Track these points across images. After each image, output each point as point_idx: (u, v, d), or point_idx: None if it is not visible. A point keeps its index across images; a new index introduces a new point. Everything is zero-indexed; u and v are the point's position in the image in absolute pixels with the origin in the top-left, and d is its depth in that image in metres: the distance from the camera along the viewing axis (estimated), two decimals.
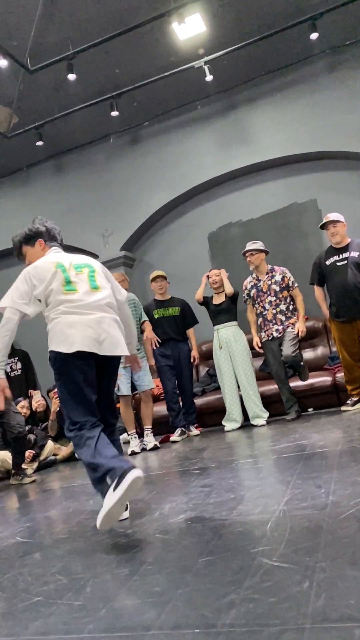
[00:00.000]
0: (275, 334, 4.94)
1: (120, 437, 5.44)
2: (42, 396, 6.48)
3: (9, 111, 6.12)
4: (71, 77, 5.41)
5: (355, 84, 6.09)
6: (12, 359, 7.15)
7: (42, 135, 6.53)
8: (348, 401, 4.60)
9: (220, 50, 5.70)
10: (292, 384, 5.19)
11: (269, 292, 4.99)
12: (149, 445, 4.79)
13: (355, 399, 4.55)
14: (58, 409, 5.50)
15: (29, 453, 5.11)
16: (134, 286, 7.32)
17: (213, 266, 6.41)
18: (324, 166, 6.49)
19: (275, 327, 4.94)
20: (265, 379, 5.43)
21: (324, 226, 4.62)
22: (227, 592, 1.43)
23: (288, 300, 5.00)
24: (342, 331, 4.55)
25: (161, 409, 5.49)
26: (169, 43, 5.56)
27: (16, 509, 3.48)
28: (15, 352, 7.18)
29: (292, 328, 4.92)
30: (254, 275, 5.13)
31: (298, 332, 4.93)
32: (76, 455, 2.55)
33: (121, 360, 2.73)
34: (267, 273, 5.04)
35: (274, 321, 4.96)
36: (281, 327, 4.92)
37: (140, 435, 5.03)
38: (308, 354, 5.75)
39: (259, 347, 5.07)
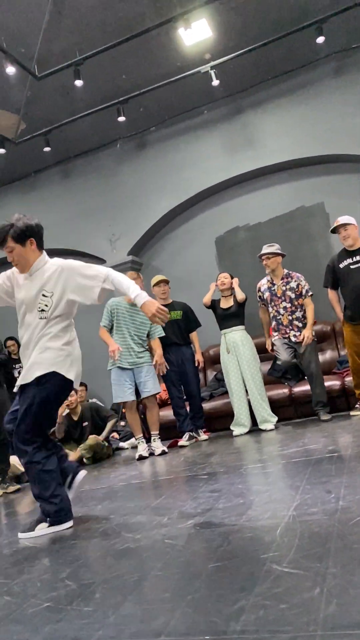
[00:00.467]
0: (293, 339, 4.90)
1: (128, 442, 5.43)
2: None
3: (17, 117, 6.17)
4: (78, 83, 5.44)
5: None
6: (20, 364, 7.16)
7: (50, 141, 6.57)
8: (357, 405, 4.56)
9: (226, 55, 5.71)
10: (300, 388, 5.17)
11: (283, 298, 4.96)
12: (157, 451, 4.78)
13: None
14: (66, 412, 5.51)
15: None
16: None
17: (220, 270, 6.41)
18: (331, 169, 6.48)
19: (293, 332, 4.90)
20: (273, 383, 5.41)
21: (335, 230, 4.58)
22: (237, 599, 1.42)
23: (304, 308, 4.98)
24: (355, 334, 4.50)
25: (168, 413, 5.48)
26: (175, 48, 5.58)
27: (25, 514, 3.48)
28: None
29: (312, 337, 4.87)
30: (268, 278, 5.10)
31: (304, 339, 4.90)
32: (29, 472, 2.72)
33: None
34: (282, 278, 5.01)
35: (290, 327, 4.92)
36: (298, 332, 4.88)
37: (148, 440, 5.02)
38: None
39: (271, 350, 5.05)
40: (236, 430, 5.05)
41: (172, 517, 2.43)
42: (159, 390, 5.04)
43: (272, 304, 5.02)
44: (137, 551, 2.05)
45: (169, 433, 5.41)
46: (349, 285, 4.47)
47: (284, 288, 4.97)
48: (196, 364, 5.33)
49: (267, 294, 5.06)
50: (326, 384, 4.98)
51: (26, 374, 2.69)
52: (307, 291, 4.95)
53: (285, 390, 5.27)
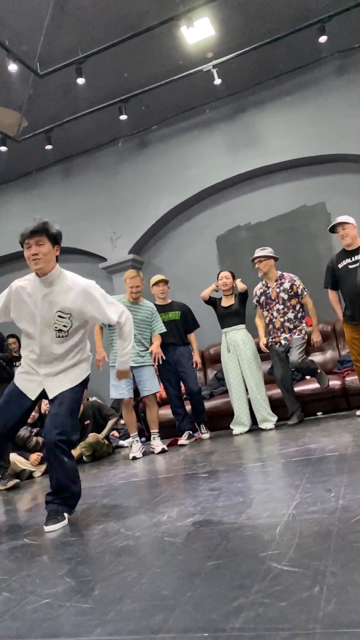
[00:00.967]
0: (283, 342, 4.93)
1: (128, 440, 5.42)
2: None
3: (19, 115, 6.17)
4: (80, 81, 5.44)
5: None
6: (21, 362, 7.16)
7: (51, 139, 6.57)
8: None
9: (228, 53, 5.71)
10: (301, 387, 5.17)
11: (277, 300, 4.97)
12: (157, 449, 4.78)
13: None
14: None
15: (36, 455, 5.12)
16: (144, 290, 7.32)
17: (221, 269, 6.39)
18: (333, 169, 6.47)
19: (283, 335, 4.93)
20: (273, 382, 5.41)
21: (333, 229, 4.57)
22: (236, 596, 1.42)
23: (297, 308, 4.97)
24: (355, 334, 4.49)
25: (168, 412, 5.49)
26: (178, 47, 5.57)
27: (25, 511, 3.48)
28: None
29: (298, 334, 4.89)
30: (263, 282, 5.11)
31: (306, 338, 4.91)
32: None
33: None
34: (276, 280, 5.02)
35: (281, 329, 4.94)
36: (289, 334, 4.91)
37: (148, 439, 5.02)
38: (317, 358, 5.72)
39: (266, 347, 5.05)
40: (236, 429, 5.05)
41: (171, 515, 2.43)
42: (159, 389, 5.03)
43: (267, 307, 5.03)
44: (136, 549, 2.05)
45: (169, 432, 5.41)
46: (348, 285, 4.46)
47: (277, 290, 4.97)
48: (194, 365, 5.31)
49: (262, 298, 5.07)
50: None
51: (60, 386, 2.84)
52: (302, 290, 4.95)
53: None
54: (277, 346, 4.96)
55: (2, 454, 4.56)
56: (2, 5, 4.67)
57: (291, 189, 6.66)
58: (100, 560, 2.00)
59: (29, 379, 2.89)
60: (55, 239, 2.83)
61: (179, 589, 1.56)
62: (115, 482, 3.77)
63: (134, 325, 4.89)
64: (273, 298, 4.98)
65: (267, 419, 4.96)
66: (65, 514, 2.76)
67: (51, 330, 2.80)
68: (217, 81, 5.87)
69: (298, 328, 4.93)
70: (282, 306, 4.94)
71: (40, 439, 5.30)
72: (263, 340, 5.09)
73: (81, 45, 5.28)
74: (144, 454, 4.83)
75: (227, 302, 5.25)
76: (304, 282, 5.08)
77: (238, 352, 5.11)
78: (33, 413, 5.53)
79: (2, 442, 2.92)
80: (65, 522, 2.71)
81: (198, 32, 5.24)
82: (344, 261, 4.51)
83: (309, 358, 4.97)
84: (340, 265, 4.53)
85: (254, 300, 5.18)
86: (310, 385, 5.12)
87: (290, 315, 4.94)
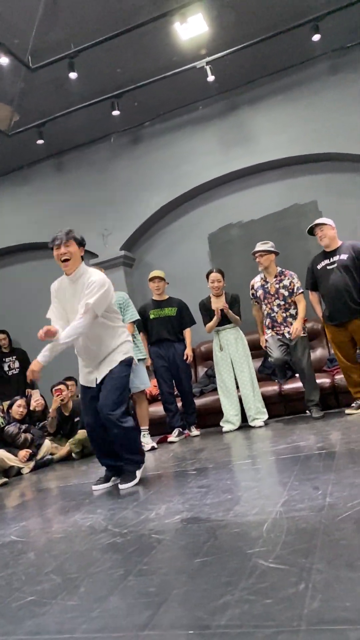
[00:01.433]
0: (287, 336, 4.89)
1: None
2: (41, 395, 6.46)
3: (10, 109, 6.10)
4: (72, 75, 5.39)
5: (357, 86, 6.07)
6: (10, 358, 7.13)
7: (43, 133, 6.51)
8: (353, 404, 4.54)
9: (222, 50, 5.69)
10: (290, 385, 5.18)
11: (277, 295, 4.96)
12: (146, 447, 4.76)
13: None
14: (59, 405, 5.49)
15: (25, 452, 5.09)
16: (134, 286, 7.32)
17: (212, 266, 6.39)
18: (325, 168, 6.48)
19: (287, 329, 4.90)
20: (263, 380, 5.43)
21: (311, 231, 4.62)
22: (222, 593, 1.42)
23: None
24: (336, 334, 4.53)
25: (159, 409, 5.48)
26: (171, 43, 5.54)
27: (12, 508, 3.46)
28: (13, 350, 7.16)
29: (304, 333, 4.86)
30: (262, 276, 5.09)
31: (294, 331, 4.91)
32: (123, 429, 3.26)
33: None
34: (276, 276, 5.01)
35: (284, 324, 4.92)
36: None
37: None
38: None
39: (265, 347, 5.05)
40: (226, 426, 5.05)
41: (159, 513, 2.43)
42: (148, 385, 5.02)
43: (266, 301, 5.02)
44: (123, 546, 2.04)
45: (160, 429, 5.41)
46: (325, 286, 4.50)
47: (277, 286, 4.97)
48: (184, 358, 5.28)
49: (260, 292, 5.05)
50: (317, 381, 4.99)
51: (104, 370, 3.33)
52: (298, 289, 4.96)
53: (275, 387, 5.29)
54: (281, 337, 4.91)
55: None
56: None
57: (283, 187, 6.66)
58: (87, 557, 1.99)
59: (86, 372, 3.43)
60: (80, 242, 3.42)
61: (165, 586, 1.55)
62: None
63: None
64: (272, 293, 4.98)
65: (258, 416, 4.96)
66: (137, 473, 3.31)
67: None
68: (211, 78, 5.85)
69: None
70: (283, 302, 4.93)
71: (29, 436, 5.27)
72: (262, 338, 5.09)
73: (74, 39, 5.23)
74: None
75: (218, 302, 5.20)
76: None
77: (230, 350, 5.11)
78: (21, 410, 5.51)
79: (101, 434, 3.38)
80: (135, 481, 3.25)
81: (192, 28, 5.21)
82: (322, 262, 4.56)
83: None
84: (319, 266, 4.58)
85: (251, 294, 5.17)
86: (300, 383, 5.13)
87: (293, 311, 4.92)
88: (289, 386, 5.20)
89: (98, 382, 3.33)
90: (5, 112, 6.15)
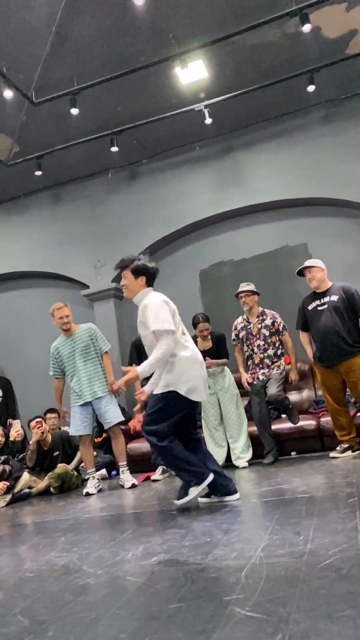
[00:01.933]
0: (261, 377, 4.93)
1: (98, 472, 5.23)
2: (22, 426, 6.33)
3: (10, 140, 6.22)
4: (74, 111, 5.53)
5: (349, 135, 6.29)
6: None
7: (42, 165, 6.62)
8: (337, 447, 4.50)
9: (220, 95, 5.88)
10: (276, 426, 5.13)
11: (258, 336, 4.98)
12: (127, 484, 4.64)
13: (346, 445, 4.45)
14: (38, 439, 5.36)
15: (2, 484, 4.94)
16: (123, 319, 7.31)
17: (203, 302, 6.44)
18: (316, 212, 6.63)
19: (262, 371, 4.94)
20: (249, 419, 5.37)
21: (301, 273, 4.69)
22: None
23: (277, 345, 5.00)
24: (326, 375, 4.53)
25: (143, 445, 5.38)
26: (171, 86, 5.73)
27: None
28: None
29: (276, 370, 4.91)
30: (244, 317, 5.12)
31: (284, 374, 4.93)
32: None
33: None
34: (258, 316, 5.05)
35: (260, 365, 4.96)
36: (267, 370, 4.92)
37: (119, 472, 4.88)
38: (293, 397, 5.69)
39: (248, 384, 5.02)
40: None
41: (136, 554, 2.35)
42: (121, 418, 4.88)
43: (248, 342, 5.04)
44: (96, 587, 1.96)
45: (144, 466, 5.30)
46: (316, 327, 4.53)
47: (259, 326, 5.00)
48: None
49: (243, 333, 5.07)
50: (301, 423, 4.97)
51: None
52: (283, 327, 4.99)
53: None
54: (255, 382, 4.95)
55: None
56: (2, 32, 4.77)
57: (275, 228, 6.78)
58: (58, 598, 1.91)
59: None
60: (137, 272, 3.48)
61: (137, 633, 1.49)
62: (82, 515, 3.65)
63: (80, 360, 4.79)
64: (254, 334, 5.00)
65: (242, 456, 4.89)
66: (192, 489, 3.17)
67: (147, 341, 3.38)
68: (208, 121, 6.03)
69: (276, 364, 4.95)
70: (262, 342, 4.96)
71: (7, 467, 5.13)
72: (244, 376, 5.07)
73: (77, 77, 5.39)
74: (115, 487, 4.71)
75: (205, 344, 5.15)
76: (283, 320, 5.12)
77: (217, 388, 5.07)
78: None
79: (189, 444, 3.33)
80: (189, 497, 3.17)
81: (192, 73, 5.39)
82: (313, 303, 4.60)
83: (284, 395, 4.97)
84: (310, 307, 4.62)
85: (233, 335, 5.18)
86: (285, 424, 5.09)
87: (270, 352, 4.95)
88: (274, 427, 5.13)
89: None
90: (5, 143, 6.27)
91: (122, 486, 4.68)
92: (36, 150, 6.47)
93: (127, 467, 4.83)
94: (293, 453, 5.11)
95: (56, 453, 5.39)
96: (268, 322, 4.99)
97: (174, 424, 3.25)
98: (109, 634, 1.51)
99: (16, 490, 5.07)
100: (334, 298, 4.49)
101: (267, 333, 4.96)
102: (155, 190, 7.14)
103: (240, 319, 5.16)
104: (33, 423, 5.41)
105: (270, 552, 2.04)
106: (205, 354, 5.12)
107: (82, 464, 5.23)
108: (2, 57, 5.00)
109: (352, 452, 4.44)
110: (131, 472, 4.86)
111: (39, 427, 5.30)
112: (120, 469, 4.80)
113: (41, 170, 6.66)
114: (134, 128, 6.22)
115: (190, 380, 3.25)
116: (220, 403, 5.07)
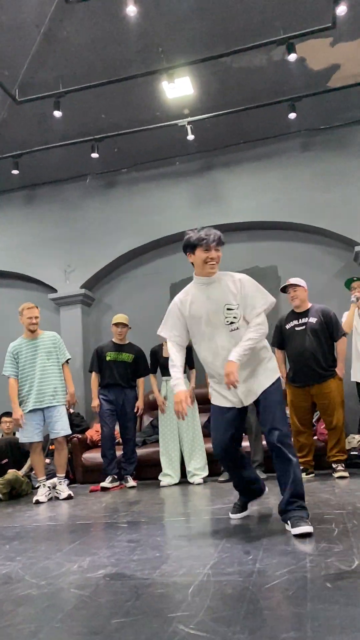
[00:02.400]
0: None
1: (50, 480, 5.10)
2: None
3: None
4: (57, 114, 5.49)
5: (324, 165, 6.47)
6: None
7: (19, 164, 6.53)
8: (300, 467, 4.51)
9: (204, 113, 5.96)
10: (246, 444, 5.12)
11: None
12: (62, 495, 4.59)
13: (300, 468, 4.47)
14: (9, 434, 5.19)
15: None
16: (89, 326, 7.24)
17: None
18: (288, 236, 6.76)
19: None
20: (206, 436, 5.36)
21: (285, 289, 4.66)
22: None
23: None
24: (297, 396, 4.52)
25: (97, 455, 5.29)
26: (157, 98, 5.78)
27: None
28: None
29: None
30: None
31: None
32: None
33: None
34: None
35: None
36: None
37: (73, 482, 4.79)
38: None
39: None
40: (164, 480, 4.92)
41: (82, 565, 2.29)
42: (69, 432, 4.83)
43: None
44: (38, 599, 1.90)
45: (97, 476, 5.21)
46: (293, 347, 4.52)
47: None
48: (135, 409, 5.21)
49: None
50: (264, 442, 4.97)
51: (252, 395, 2.84)
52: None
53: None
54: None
55: None
56: None
57: (246, 249, 6.87)
58: None
59: (224, 395, 2.93)
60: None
61: None
62: (30, 524, 3.55)
63: (40, 365, 4.69)
64: None
65: (198, 473, 4.87)
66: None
67: (222, 324, 2.82)
68: (190, 137, 6.09)
69: None
70: None
71: None
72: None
73: (63, 80, 5.37)
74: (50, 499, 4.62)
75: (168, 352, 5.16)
76: None
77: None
78: None
79: (232, 456, 2.91)
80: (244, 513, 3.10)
81: (178, 88, 5.45)
82: (292, 322, 4.59)
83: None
84: (288, 326, 4.60)
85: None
86: (244, 443, 5.09)
87: None
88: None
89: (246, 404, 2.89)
90: None
91: (57, 497, 4.62)
92: (14, 149, 6.39)
93: (65, 479, 4.79)
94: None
95: (5, 461, 5.23)
96: None
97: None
98: None
99: None
100: (313, 320, 4.48)
101: None
102: (132, 200, 7.14)
103: None
104: (4, 419, 5.27)
105: (219, 569, 2.02)
106: (167, 361, 5.11)
107: (33, 471, 5.10)
108: None
109: (306, 474, 4.47)
110: (84, 483, 4.78)
111: (10, 421, 5.16)
112: (58, 480, 4.72)
113: (18, 170, 6.58)
114: (116, 136, 6.23)
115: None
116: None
